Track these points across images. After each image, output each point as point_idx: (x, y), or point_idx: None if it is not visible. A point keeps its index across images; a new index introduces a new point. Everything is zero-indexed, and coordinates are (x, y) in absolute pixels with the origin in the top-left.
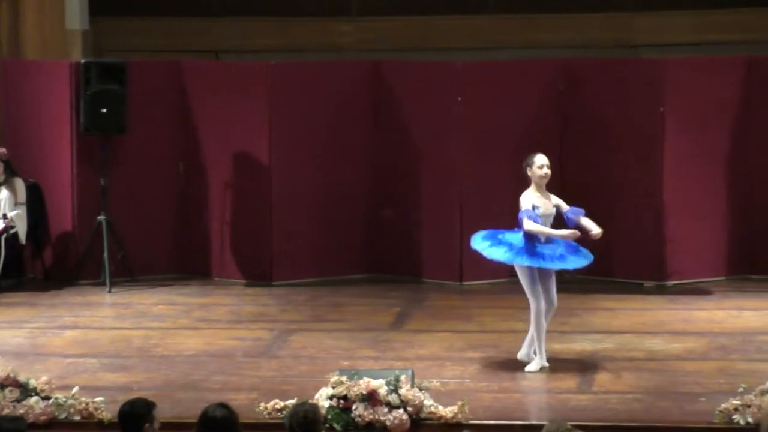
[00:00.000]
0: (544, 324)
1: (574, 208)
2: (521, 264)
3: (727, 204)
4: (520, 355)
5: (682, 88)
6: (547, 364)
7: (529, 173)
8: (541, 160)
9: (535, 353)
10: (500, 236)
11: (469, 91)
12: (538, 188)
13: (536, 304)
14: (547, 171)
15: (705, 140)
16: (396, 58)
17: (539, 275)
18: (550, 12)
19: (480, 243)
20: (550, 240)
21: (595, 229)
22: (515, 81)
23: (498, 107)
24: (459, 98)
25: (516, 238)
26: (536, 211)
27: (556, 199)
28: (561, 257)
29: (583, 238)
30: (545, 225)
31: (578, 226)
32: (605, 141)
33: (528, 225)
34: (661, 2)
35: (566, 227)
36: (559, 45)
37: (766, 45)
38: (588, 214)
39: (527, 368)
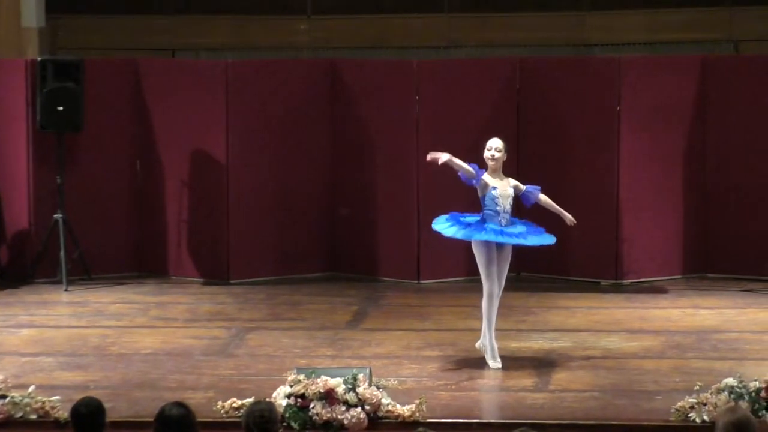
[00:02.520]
0: (495, 310)
1: (531, 186)
2: (480, 239)
3: (682, 203)
4: (479, 344)
5: (639, 87)
6: (499, 365)
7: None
8: (489, 143)
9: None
10: (461, 218)
11: (426, 89)
12: (492, 172)
13: (489, 286)
14: (493, 153)
15: (661, 139)
16: (352, 56)
17: (497, 257)
18: (505, 11)
19: (440, 224)
20: (510, 222)
21: (567, 217)
22: (472, 79)
23: (455, 105)
24: (416, 97)
25: (476, 219)
26: (493, 192)
27: (513, 182)
28: (520, 234)
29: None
30: (503, 206)
31: (537, 204)
32: (561, 139)
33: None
34: (615, 2)
35: (526, 212)
36: (514, 44)
37: (718, 44)
38: (545, 212)
39: (491, 365)
